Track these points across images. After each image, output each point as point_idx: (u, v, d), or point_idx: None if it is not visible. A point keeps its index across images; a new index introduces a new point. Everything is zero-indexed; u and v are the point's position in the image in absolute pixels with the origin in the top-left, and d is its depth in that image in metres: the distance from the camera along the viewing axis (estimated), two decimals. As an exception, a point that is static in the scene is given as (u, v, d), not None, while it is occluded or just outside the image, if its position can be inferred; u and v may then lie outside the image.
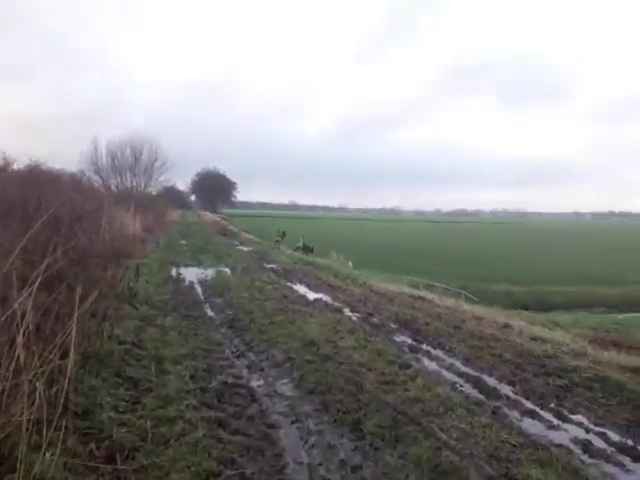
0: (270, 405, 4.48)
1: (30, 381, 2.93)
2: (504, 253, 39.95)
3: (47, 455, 2.87)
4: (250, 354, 6.04)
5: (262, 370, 5.46)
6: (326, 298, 10.31)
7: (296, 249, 25.25)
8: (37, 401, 2.86)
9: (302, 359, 5.67)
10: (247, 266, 15.20)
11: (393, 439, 3.81)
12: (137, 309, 8.18)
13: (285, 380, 5.13)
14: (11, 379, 2.93)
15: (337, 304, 9.59)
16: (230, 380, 5.01)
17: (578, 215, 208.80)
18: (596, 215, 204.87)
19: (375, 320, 8.29)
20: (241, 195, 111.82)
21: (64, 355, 3.90)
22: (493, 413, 4.48)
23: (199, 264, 15.22)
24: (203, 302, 9.28)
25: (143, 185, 37.52)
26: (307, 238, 27.53)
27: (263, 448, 3.64)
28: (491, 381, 5.44)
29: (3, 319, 3.10)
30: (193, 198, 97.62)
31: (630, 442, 4.07)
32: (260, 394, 4.74)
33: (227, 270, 13.94)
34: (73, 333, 3.38)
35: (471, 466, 3.46)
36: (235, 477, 3.23)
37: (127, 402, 4.24)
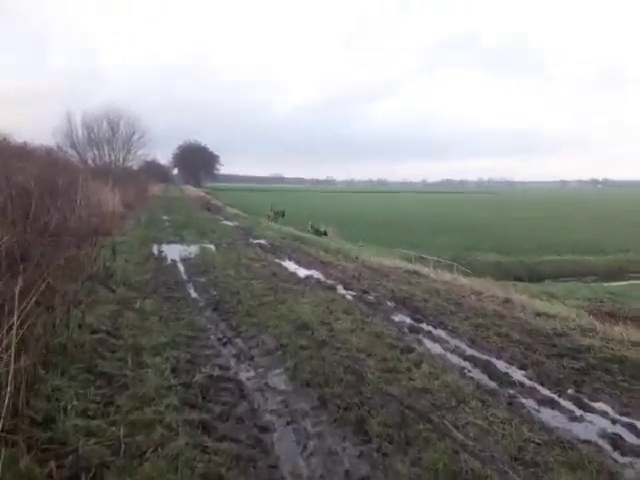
0: (262, 402, 3.98)
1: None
2: (491, 222, 39.90)
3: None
4: (238, 341, 5.51)
5: (252, 359, 4.94)
6: (318, 275, 9.79)
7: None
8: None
9: (295, 345, 5.17)
10: (232, 242, 14.58)
11: (403, 441, 3.34)
12: (114, 291, 7.57)
13: (278, 371, 4.63)
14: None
15: (330, 281, 9.08)
16: (216, 373, 4.48)
17: (564, 183, 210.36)
18: (581, 183, 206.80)
19: (371, 298, 7.82)
20: (225, 169, 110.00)
21: (19, 352, 3.34)
22: (509, 404, 4.04)
23: (182, 241, 14.55)
24: (186, 282, 8.69)
25: (122, 159, 36.04)
26: (293, 214, 28.19)
27: (255, 458, 3.14)
28: (501, 365, 5.02)
29: None
30: (176, 172, 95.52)
31: (662, 434, 3.68)
32: (250, 388, 4.23)
33: (211, 247, 13.31)
34: (15, 324, 2.80)
35: (495, 473, 3.01)
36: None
37: (98, 404, 3.69)
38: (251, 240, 15.64)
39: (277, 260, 11.63)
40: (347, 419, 3.65)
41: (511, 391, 4.34)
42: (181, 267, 10.17)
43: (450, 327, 6.29)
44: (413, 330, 6.14)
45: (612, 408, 4.07)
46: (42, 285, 3.64)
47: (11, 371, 2.81)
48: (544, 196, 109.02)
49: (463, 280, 9.96)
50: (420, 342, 5.63)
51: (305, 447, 3.32)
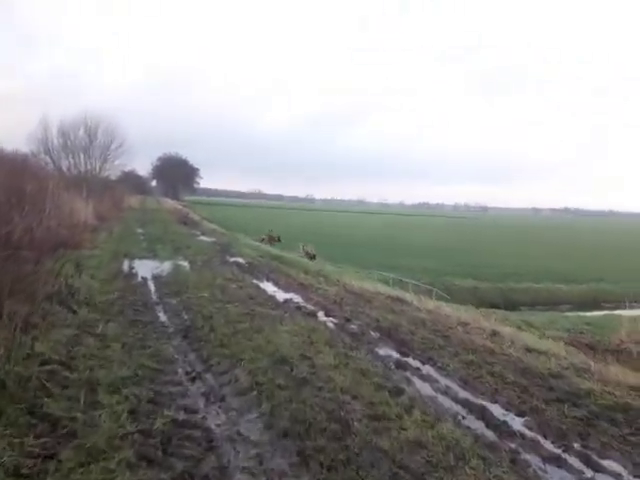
0: (232, 457, 3.43)
1: None
2: (468, 247, 40.06)
3: None
4: (208, 376, 4.95)
5: (222, 400, 4.39)
6: (297, 299, 9.28)
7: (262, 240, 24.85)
8: None
9: (272, 384, 4.63)
10: (208, 260, 13.96)
11: (398, 514, 2.86)
12: (75, 312, 6.91)
13: (251, 416, 4.08)
14: None
15: (310, 306, 8.58)
16: (181, 417, 3.93)
17: (536, 211, 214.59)
18: (553, 211, 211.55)
19: (354, 327, 7.34)
20: (205, 182, 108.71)
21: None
22: (512, 462, 3.60)
23: (155, 256, 13.88)
24: (155, 303, 8.07)
25: (98, 168, 34.85)
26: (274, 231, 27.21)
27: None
28: (498, 411, 4.59)
29: None
30: (154, 184, 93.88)
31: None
32: (219, 438, 3.68)
33: (186, 264, 12.67)
34: None
35: None
36: None
37: (35, 458, 3.11)
38: (228, 258, 15.04)
39: (255, 281, 11.08)
40: (332, 482, 3.14)
41: (512, 445, 3.90)
42: (152, 286, 9.54)
43: (439, 364, 5.86)
44: (400, 366, 5.69)
45: (624, 468, 3.67)
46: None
47: None
48: (516, 222, 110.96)
49: (447, 309, 9.60)
50: (409, 381, 5.17)
51: (283, 522, 2.80)
